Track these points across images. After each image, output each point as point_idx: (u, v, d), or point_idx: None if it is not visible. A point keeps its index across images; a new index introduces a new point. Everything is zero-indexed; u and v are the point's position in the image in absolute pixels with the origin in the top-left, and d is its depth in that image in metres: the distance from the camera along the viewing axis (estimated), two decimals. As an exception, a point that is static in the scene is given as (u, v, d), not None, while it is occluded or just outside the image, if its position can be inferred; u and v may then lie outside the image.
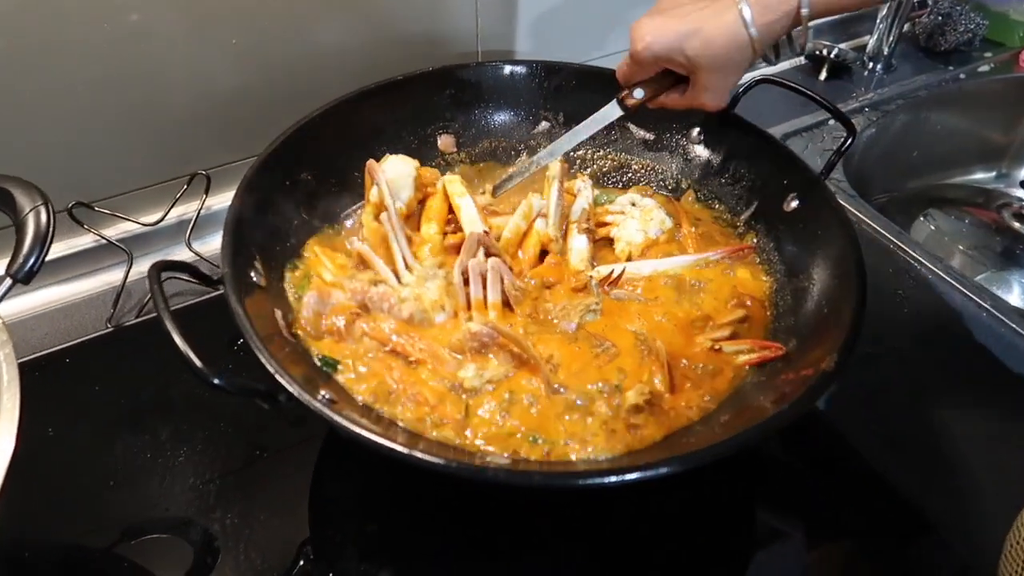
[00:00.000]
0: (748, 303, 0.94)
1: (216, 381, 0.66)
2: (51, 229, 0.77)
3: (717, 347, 0.88)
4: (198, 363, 0.66)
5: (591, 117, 0.98)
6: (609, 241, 1.03)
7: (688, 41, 0.83)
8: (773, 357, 0.85)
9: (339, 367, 0.83)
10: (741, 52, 0.83)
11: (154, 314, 1.03)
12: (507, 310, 0.91)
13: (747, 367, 0.86)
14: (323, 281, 0.91)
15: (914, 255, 1.16)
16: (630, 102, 0.95)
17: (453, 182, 1.01)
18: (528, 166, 1.03)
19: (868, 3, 0.87)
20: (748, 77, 1.14)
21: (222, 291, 0.77)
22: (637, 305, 0.94)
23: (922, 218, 1.59)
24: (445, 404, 0.81)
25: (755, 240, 1.01)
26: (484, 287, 0.90)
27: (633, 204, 1.06)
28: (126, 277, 1.09)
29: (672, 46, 0.84)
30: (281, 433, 0.93)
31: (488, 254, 0.92)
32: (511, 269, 0.93)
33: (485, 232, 0.94)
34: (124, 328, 1.06)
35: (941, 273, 1.13)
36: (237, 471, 0.89)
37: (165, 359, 0.97)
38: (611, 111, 0.97)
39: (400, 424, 0.79)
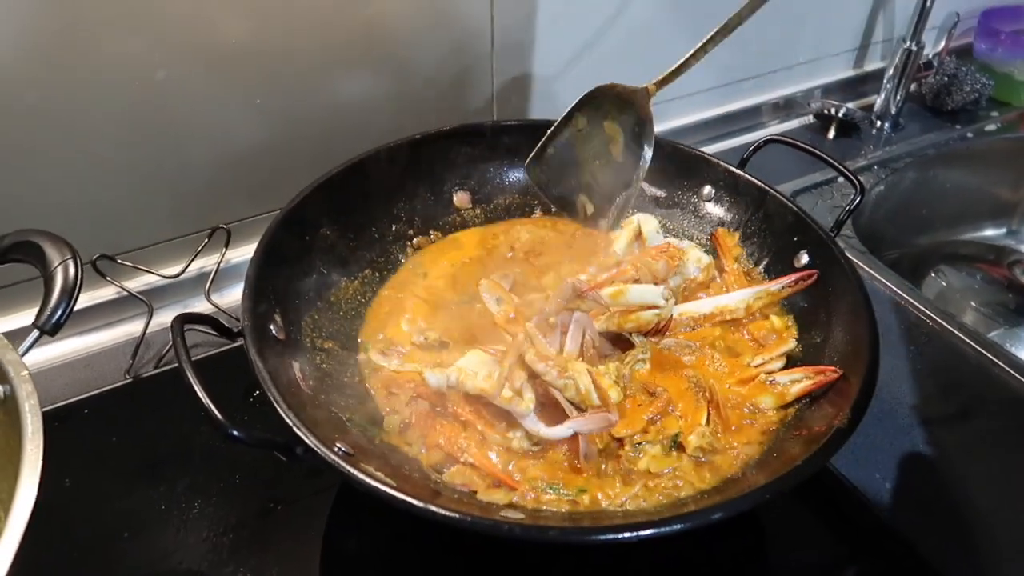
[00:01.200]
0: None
1: (235, 433, 0.67)
2: (79, 282, 0.79)
3: (771, 380, 0.88)
4: (219, 415, 0.67)
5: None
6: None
7: None
8: (831, 380, 0.84)
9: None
10: None
11: (172, 365, 1.08)
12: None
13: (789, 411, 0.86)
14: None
15: (926, 311, 1.16)
16: None
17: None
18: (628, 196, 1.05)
19: None
20: (757, 137, 1.17)
21: (241, 343, 0.79)
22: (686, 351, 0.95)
23: (933, 274, 1.60)
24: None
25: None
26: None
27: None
28: (146, 328, 1.11)
29: None
30: (296, 485, 0.94)
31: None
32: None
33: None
34: (142, 379, 1.07)
35: (954, 330, 1.13)
36: (251, 524, 0.90)
37: (182, 410, 1.01)
38: None
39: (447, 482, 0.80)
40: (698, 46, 0.95)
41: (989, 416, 1.05)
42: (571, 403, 0.82)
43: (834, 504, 0.94)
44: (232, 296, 1.19)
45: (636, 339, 0.93)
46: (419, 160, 1.11)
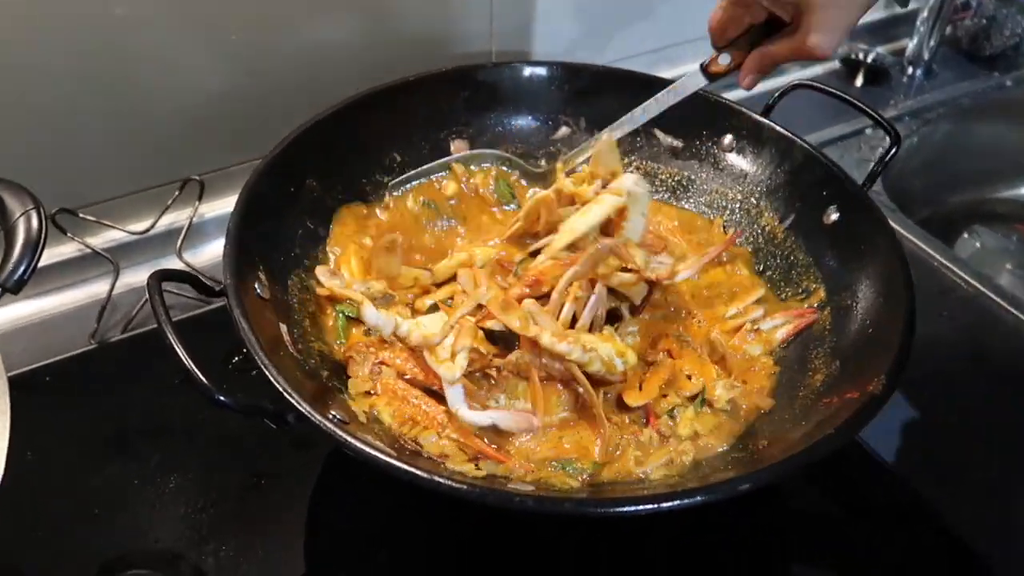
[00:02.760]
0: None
1: (222, 399, 0.67)
2: (43, 235, 0.78)
3: (755, 328, 0.93)
4: (204, 380, 0.67)
5: (670, 87, 0.99)
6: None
7: None
8: (810, 323, 0.92)
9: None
10: None
11: (141, 329, 1.08)
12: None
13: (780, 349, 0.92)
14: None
15: (960, 274, 1.18)
16: (715, 69, 0.94)
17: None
18: (591, 143, 1.04)
19: None
20: (783, 82, 1.17)
21: (218, 304, 0.78)
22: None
23: (967, 235, 1.61)
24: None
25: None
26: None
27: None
28: (111, 289, 1.10)
29: None
30: (279, 458, 0.94)
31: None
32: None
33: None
34: (109, 344, 1.07)
35: (989, 293, 1.15)
36: (232, 499, 0.90)
37: (155, 378, 1.01)
38: (693, 80, 0.96)
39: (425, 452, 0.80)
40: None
41: (1026, 384, 1.06)
42: (592, 377, 0.83)
43: (860, 477, 0.96)
44: (207, 254, 1.19)
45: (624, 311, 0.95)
46: (412, 105, 1.10)
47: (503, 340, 0.88)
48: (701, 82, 0.96)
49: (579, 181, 0.99)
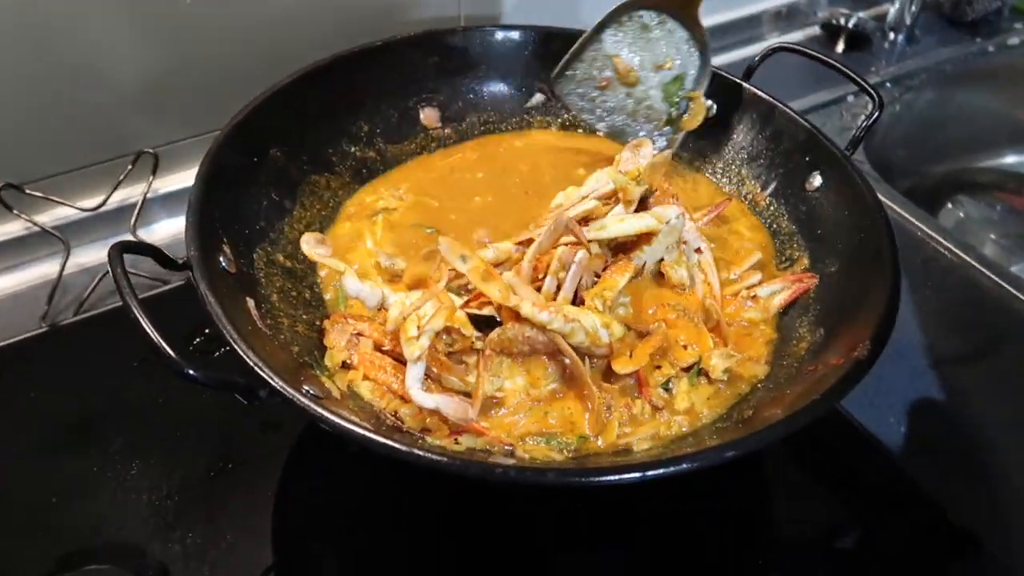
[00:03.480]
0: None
1: (191, 372, 0.68)
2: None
3: (752, 294, 0.96)
4: (171, 353, 0.68)
5: None
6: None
7: None
8: (809, 287, 0.95)
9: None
10: None
11: (95, 311, 1.08)
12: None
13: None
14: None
15: (944, 243, 1.21)
16: None
17: None
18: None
19: None
20: (763, 45, 1.20)
21: (176, 284, 0.79)
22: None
23: (950, 204, 1.66)
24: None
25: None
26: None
27: None
28: (62, 269, 1.10)
29: None
30: (249, 440, 0.96)
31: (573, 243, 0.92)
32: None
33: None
34: (61, 327, 1.07)
35: (974, 262, 1.18)
36: (199, 485, 0.91)
37: (112, 360, 1.01)
38: None
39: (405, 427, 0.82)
40: None
41: (1010, 355, 1.10)
42: (577, 350, 0.85)
43: (845, 449, 0.99)
44: (162, 231, 1.20)
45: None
46: (380, 72, 1.11)
47: (489, 325, 0.90)
48: None
49: (631, 176, 1.01)
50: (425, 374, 0.84)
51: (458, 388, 0.85)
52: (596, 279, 0.92)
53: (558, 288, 0.88)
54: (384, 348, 0.88)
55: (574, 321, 0.83)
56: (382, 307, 0.91)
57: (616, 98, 1.15)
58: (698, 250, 1.00)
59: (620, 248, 0.96)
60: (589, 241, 0.91)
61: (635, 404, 0.86)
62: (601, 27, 1.09)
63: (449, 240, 0.85)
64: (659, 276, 0.97)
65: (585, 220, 0.96)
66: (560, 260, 0.89)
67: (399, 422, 0.82)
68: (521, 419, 0.84)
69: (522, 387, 0.86)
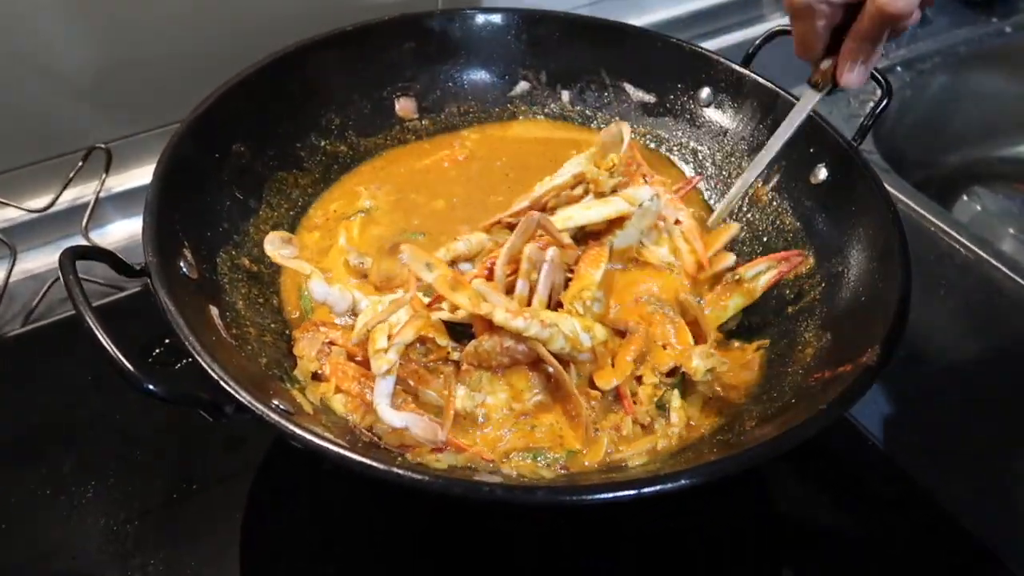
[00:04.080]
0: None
1: (151, 388, 0.68)
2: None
3: (736, 277, 0.97)
4: (130, 367, 0.68)
5: (788, 118, 1.01)
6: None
7: None
8: (796, 266, 0.98)
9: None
10: None
11: (43, 322, 1.08)
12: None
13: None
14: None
15: (959, 239, 1.23)
16: (819, 77, 0.97)
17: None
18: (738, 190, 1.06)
19: None
20: (764, 27, 1.21)
21: (131, 291, 0.79)
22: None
23: (965, 196, 1.68)
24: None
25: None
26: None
27: None
28: (8, 276, 1.10)
29: None
30: (211, 460, 0.96)
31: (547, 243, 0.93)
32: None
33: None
34: (7, 339, 1.07)
35: (991, 259, 1.20)
36: (160, 508, 0.92)
37: (63, 375, 1.02)
38: (807, 100, 0.99)
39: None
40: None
41: (1031, 358, 1.12)
42: (557, 357, 0.86)
43: (851, 458, 1.01)
44: (117, 233, 1.20)
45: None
46: (351, 59, 1.11)
47: (468, 334, 0.91)
48: (815, 97, 0.98)
49: (606, 167, 1.02)
50: (400, 387, 0.85)
51: (436, 403, 0.86)
52: (569, 275, 0.93)
53: (532, 292, 0.89)
54: (358, 359, 0.89)
55: (552, 326, 0.84)
56: (354, 312, 0.92)
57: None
58: (677, 221, 1.02)
59: (590, 238, 0.97)
60: (560, 231, 0.92)
61: (624, 424, 0.87)
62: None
63: (411, 248, 0.86)
64: (633, 261, 0.99)
65: (554, 209, 0.98)
66: (530, 260, 0.90)
67: (375, 438, 0.83)
68: (507, 435, 0.85)
69: (504, 401, 0.87)
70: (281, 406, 0.77)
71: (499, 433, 0.86)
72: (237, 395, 0.71)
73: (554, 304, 0.92)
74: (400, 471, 0.68)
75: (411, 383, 0.87)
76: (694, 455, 0.82)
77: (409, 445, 0.83)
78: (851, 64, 0.93)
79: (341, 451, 0.69)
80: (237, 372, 0.74)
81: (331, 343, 0.90)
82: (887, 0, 0.84)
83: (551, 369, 0.86)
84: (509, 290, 0.90)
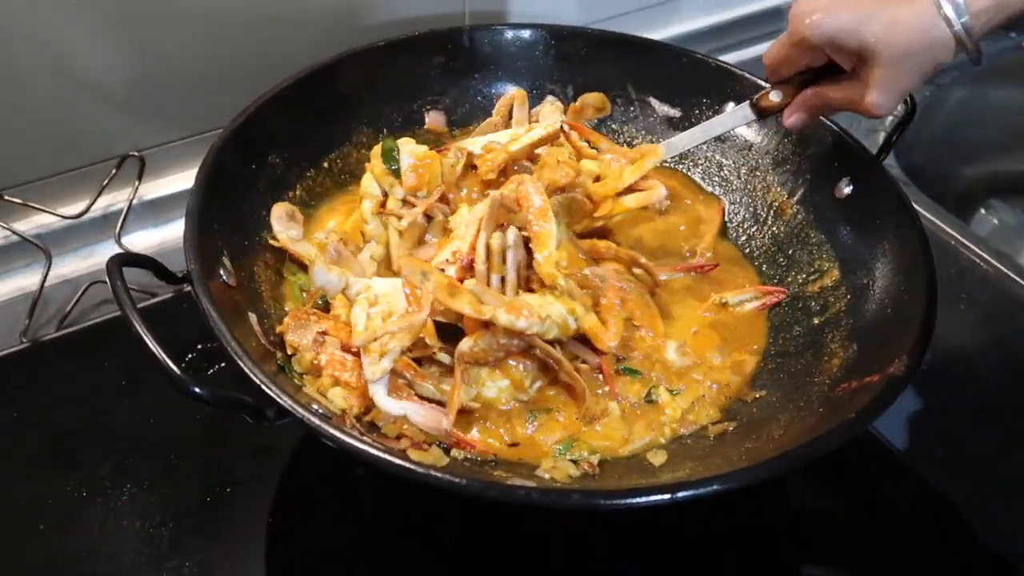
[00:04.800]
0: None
1: (198, 391, 0.70)
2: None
3: (722, 300, 1.03)
4: (177, 371, 0.70)
5: (714, 119, 1.05)
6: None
7: (868, 24, 0.84)
8: (777, 301, 1.03)
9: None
10: (930, 46, 0.84)
11: (79, 326, 1.10)
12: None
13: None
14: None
15: (979, 252, 1.24)
16: (765, 104, 1.00)
17: None
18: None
19: None
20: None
21: (163, 296, 0.80)
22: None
23: (984, 210, 1.69)
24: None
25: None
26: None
27: None
28: (44, 280, 1.12)
29: (847, 26, 0.86)
30: (242, 463, 0.98)
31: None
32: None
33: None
34: (43, 343, 1.09)
35: (1010, 273, 1.20)
36: (194, 511, 0.93)
37: (97, 378, 1.04)
38: (741, 114, 1.02)
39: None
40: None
41: (1052, 372, 1.13)
42: (552, 344, 0.90)
43: (872, 470, 1.02)
44: (149, 240, 1.22)
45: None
46: (383, 72, 1.14)
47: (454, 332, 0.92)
48: (750, 116, 1.01)
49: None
50: (397, 377, 0.88)
51: (432, 396, 0.88)
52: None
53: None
54: (354, 349, 0.90)
55: (547, 318, 0.87)
56: (344, 291, 0.94)
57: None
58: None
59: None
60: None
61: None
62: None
63: (408, 259, 0.88)
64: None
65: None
66: (500, 253, 0.93)
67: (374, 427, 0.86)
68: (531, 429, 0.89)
69: (507, 389, 0.90)
70: (319, 410, 0.79)
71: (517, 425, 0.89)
72: (280, 400, 0.73)
73: (523, 280, 0.94)
74: (437, 474, 0.70)
75: (407, 375, 0.89)
76: (723, 461, 0.84)
77: (407, 436, 0.85)
78: (801, 114, 0.97)
79: (378, 453, 0.71)
80: (277, 377, 0.76)
81: (324, 333, 0.91)
82: (874, 103, 0.87)
83: (538, 352, 0.89)
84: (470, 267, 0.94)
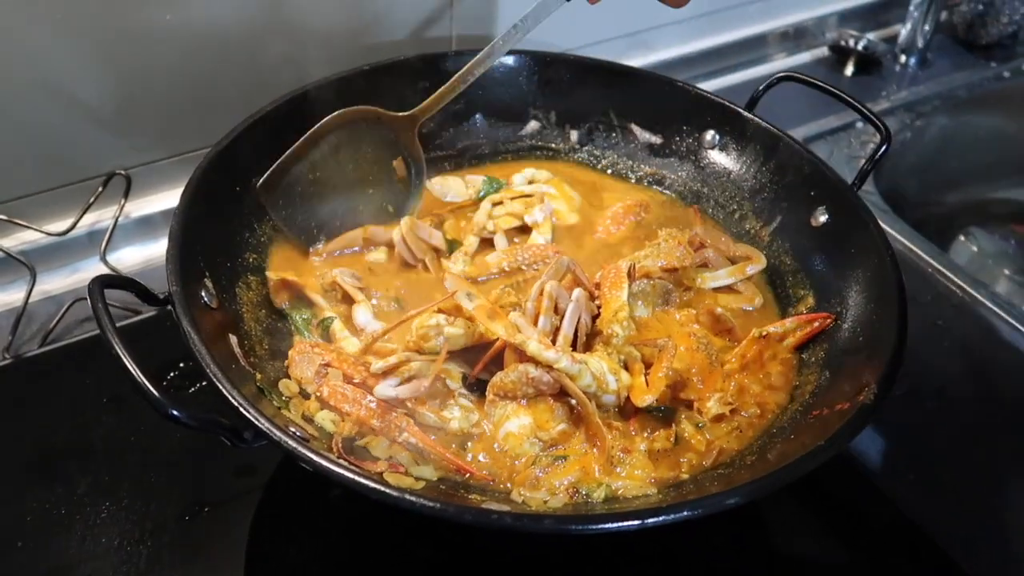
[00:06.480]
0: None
1: (175, 413, 0.71)
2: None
3: (763, 333, 0.99)
4: (155, 392, 0.71)
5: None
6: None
7: None
8: (824, 327, 0.99)
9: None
10: None
11: (61, 343, 1.11)
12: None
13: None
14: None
15: (955, 280, 1.26)
16: None
17: None
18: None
19: None
20: (761, 73, 1.25)
21: (146, 315, 0.81)
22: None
23: (962, 237, 1.71)
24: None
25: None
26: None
27: (530, 182, 1.19)
28: (27, 297, 1.13)
29: None
30: (222, 482, 0.99)
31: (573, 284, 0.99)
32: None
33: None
34: (25, 359, 1.09)
35: (986, 300, 1.23)
36: (172, 529, 0.94)
37: (79, 395, 1.05)
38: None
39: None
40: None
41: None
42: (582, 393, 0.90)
43: (848, 494, 1.03)
44: (134, 258, 1.23)
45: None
46: (371, 95, 1.14)
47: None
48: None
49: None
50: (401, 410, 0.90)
51: (434, 424, 0.90)
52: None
53: (556, 331, 0.93)
54: (355, 380, 0.92)
55: (582, 363, 0.87)
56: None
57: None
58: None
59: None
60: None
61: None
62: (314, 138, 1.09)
63: (454, 276, 0.89)
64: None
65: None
66: (551, 297, 0.94)
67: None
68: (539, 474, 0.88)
69: (529, 427, 0.90)
70: (298, 432, 0.80)
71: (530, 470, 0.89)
72: (257, 423, 0.74)
73: (580, 344, 0.95)
74: (411, 497, 0.71)
75: (408, 404, 0.90)
76: (695, 488, 0.85)
77: (400, 463, 0.86)
78: None
79: (353, 476, 0.72)
80: (256, 400, 0.77)
81: (327, 364, 0.93)
82: None
83: (574, 401, 0.90)
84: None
